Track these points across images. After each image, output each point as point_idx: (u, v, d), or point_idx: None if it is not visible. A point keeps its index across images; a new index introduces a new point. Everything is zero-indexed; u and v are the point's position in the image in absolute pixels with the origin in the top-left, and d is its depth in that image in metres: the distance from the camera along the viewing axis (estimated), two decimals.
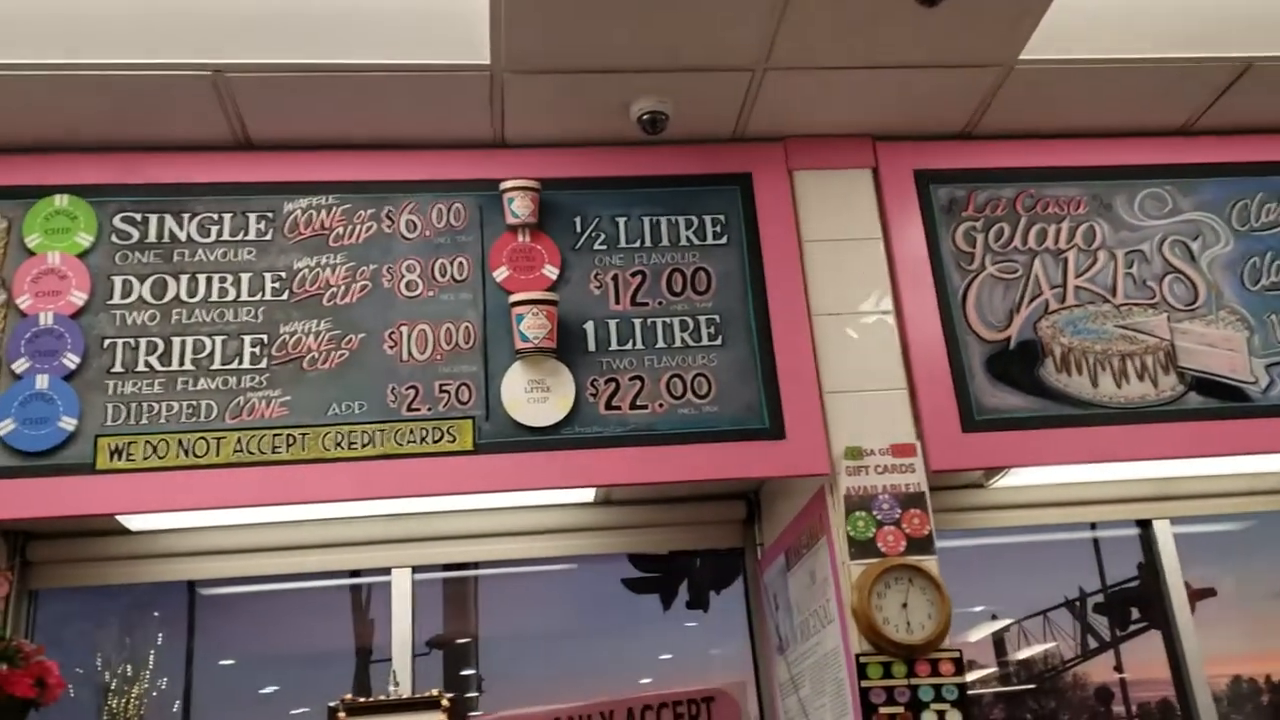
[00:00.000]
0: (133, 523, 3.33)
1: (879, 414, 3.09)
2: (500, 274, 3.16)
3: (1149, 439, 3.16)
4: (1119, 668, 4.85)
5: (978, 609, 4.89)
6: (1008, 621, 5.07)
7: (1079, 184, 3.44)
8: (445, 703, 3.17)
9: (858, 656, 2.85)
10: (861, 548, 2.93)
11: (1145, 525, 3.89)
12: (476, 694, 3.94)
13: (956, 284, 3.28)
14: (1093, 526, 4.20)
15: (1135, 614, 4.52)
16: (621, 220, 3.26)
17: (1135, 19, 3.08)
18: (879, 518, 2.96)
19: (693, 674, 4.16)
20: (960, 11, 2.86)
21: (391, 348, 3.06)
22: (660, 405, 3.06)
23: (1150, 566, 3.93)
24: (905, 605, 2.87)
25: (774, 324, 3.15)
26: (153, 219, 3.10)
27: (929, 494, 3.00)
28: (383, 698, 3.22)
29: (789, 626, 3.37)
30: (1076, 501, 3.79)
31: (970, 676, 4.86)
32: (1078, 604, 5.07)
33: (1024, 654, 5.36)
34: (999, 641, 5.15)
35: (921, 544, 2.94)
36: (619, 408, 3.05)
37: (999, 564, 4.30)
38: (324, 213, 3.17)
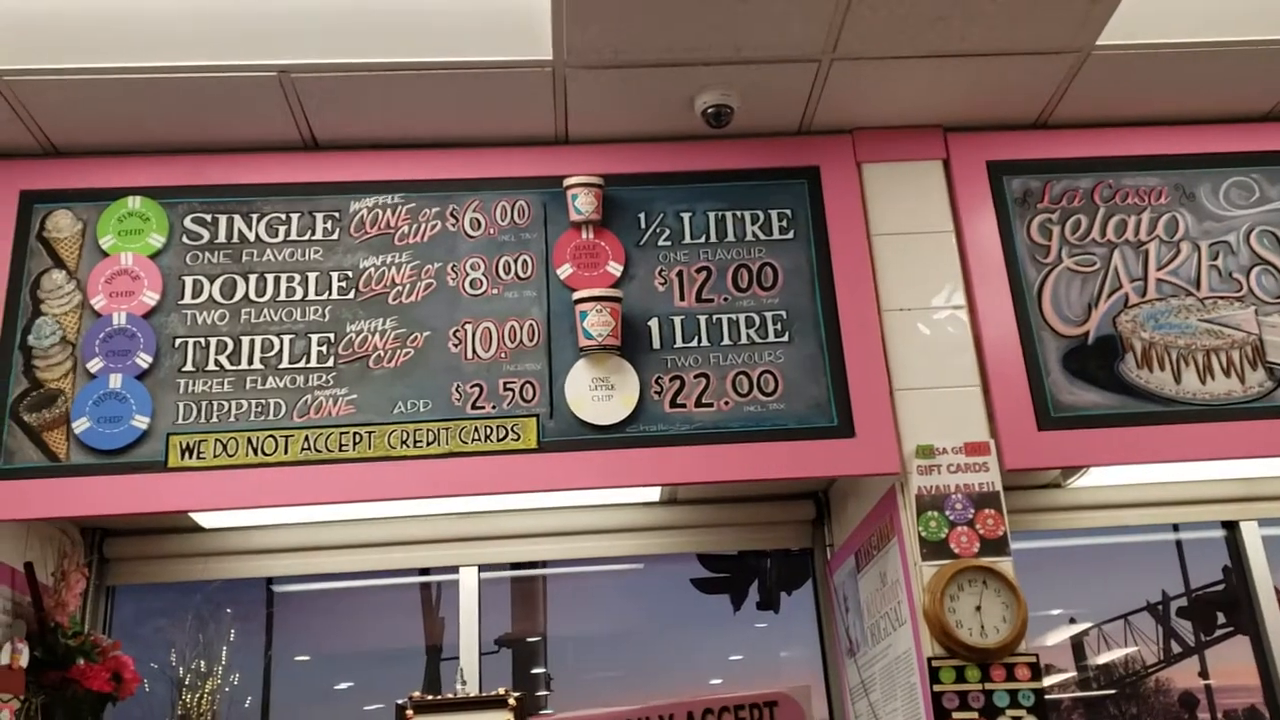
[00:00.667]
0: (206, 520, 3.39)
1: (951, 411, 3.01)
2: (564, 271, 3.14)
3: (1235, 437, 3.04)
4: (1204, 673, 4.71)
5: (1055, 612, 4.77)
6: (1087, 625, 4.95)
7: (1160, 173, 3.32)
8: (512, 701, 3.18)
9: (930, 660, 2.78)
10: (934, 549, 2.86)
11: (1231, 526, 3.76)
12: (545, 693, 3.94)
13: (1032, 278, 3.18)
14: (1175, 528, 4.07)
15: (1221, 618, 4.38)
16: (686, 216, 3.22)
17: (1215, 0, 2.97)
18: (952, 518, 2.89)
19: (762, 675, 4.13)
20: None
21: (456, 346, 3.06)
22: (726, 403, 3.02)
23: (1237, 569, 3.79)
24: (979, 608, 2.80)
25: (843, 320, 3.09)
26: (222, 219, 3.15)
27: (1003, 494, 2.91)
28: (450, 696, 3.23)
29: (859, 629, 3.31)
30: (1158, 502, 3.67)
31: (1047, 681, 4.77)
32: (1160, 608, 4.93)
33: (1104, 659, 5.23)
34: (1077, 645, 5.03)
35: (996, 545, 2.86)
36: (684, 405, 3.01)
37: (1077, 566, 4.19)
38: (389, 212, 3.18)
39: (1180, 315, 3.17)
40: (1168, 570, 4.39)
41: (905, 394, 3.03)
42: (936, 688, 2.75)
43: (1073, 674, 4.98)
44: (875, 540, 3.14)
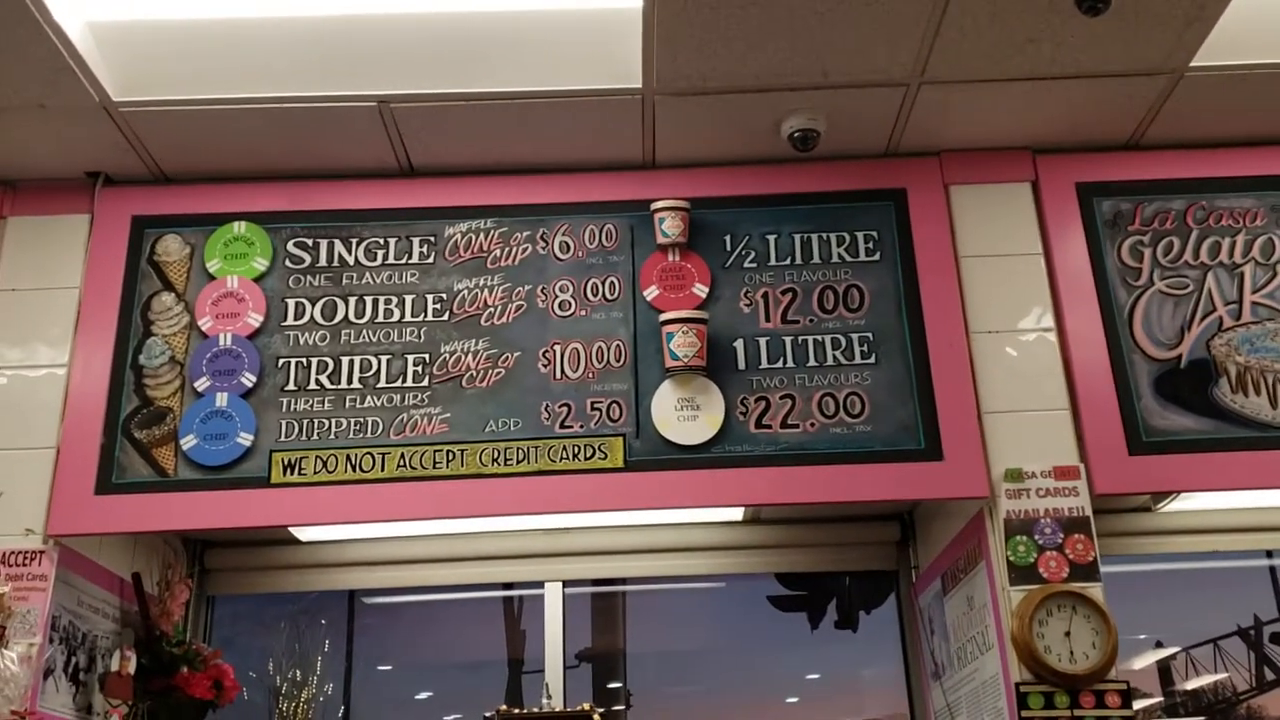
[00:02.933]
0: (302, 533, 3.49)
1: (1040, 435, 2.99)
2: (651, 293, 3.19)
3: None
4: None
5: (1141, 636, 4.69)
6: (1174, 649, 4.86)
7: (1255, 194, 3.26)
8: (596, 717, 3.21)
9: (1018, 685, 2.76)
10: (1022, 573, 2.84)
11: None
12: (624, 708, 3.97)
13: (1122, 300, 3.15)
14: (1269, 554, 3.98)
15: None
16: (772, 238, 3.25)
17: None
18: (1040, 542, 2.87)
19: (840, 694, 4.12)
20: (1126, 19, 2.77)
21: (545, 366, 3.12)
22: (812, 424, 3.04)
23: None
24: (1068, 633, 2.78)
25: (930, 342, 3.09)
26: (323, 244, 3.25)
27: (1093, 518, 2.89)
28: (535, 710, 3.27)
29: (945, 652, 3.29)
30: (1251, 528, 3.59)
31: (1134, 706, 4.68)
32: (1252, 633, 4.81)
33: (1193, 684, 5.12)
34: (1164, 670, 4.94)
35: (1085, 570, 2.84)
36: (769, 426, 3.04)
37: (1163, 590, 4.12)
38: (482, 236, 3.26)
39: (1277, 339, 3.11)
40: (1259, 595, 4.29)
41: (993, 417, 3.02)
42: (1025, 714, 2.74)
43: (1159, 699, 4.89)
44: (962, 563, 3.13)
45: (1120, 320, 3.13)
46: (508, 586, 3.96)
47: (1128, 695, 2.75)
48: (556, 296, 3.20)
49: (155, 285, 3.19)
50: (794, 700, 4.18)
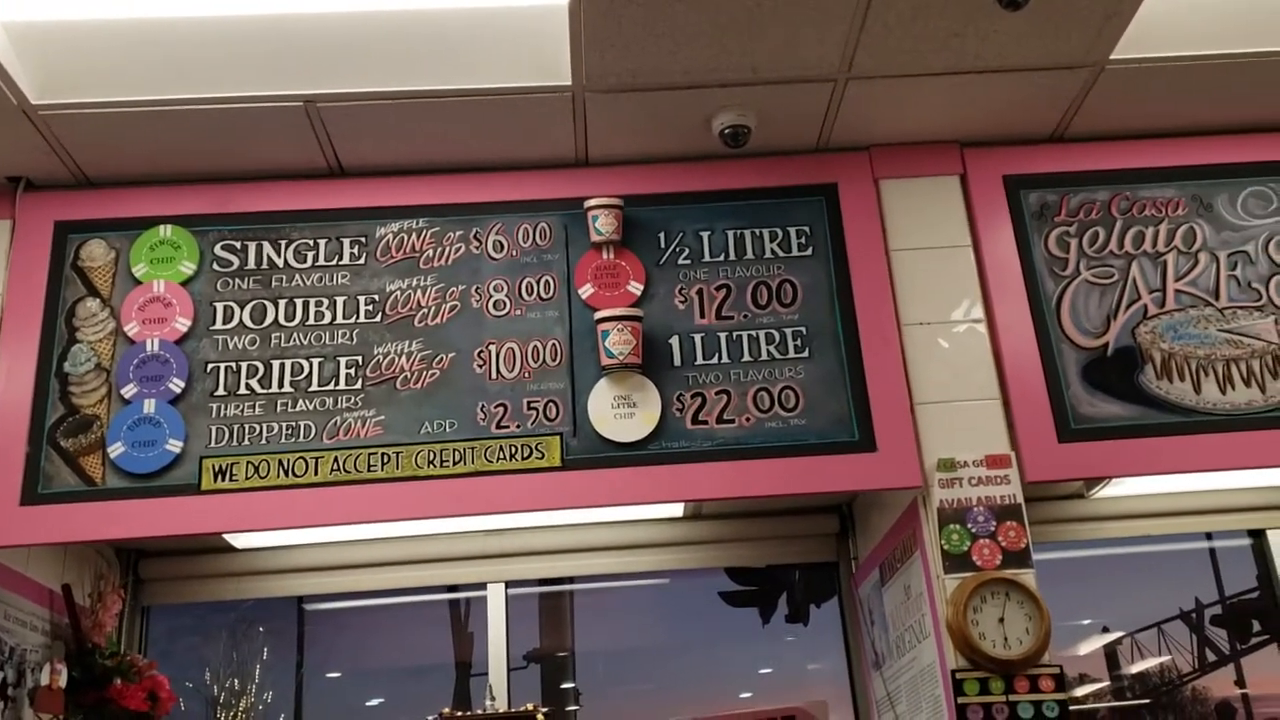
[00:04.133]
0: (238, 540, 3.45)
1: (972, 425, 3.03)
2: (586, 291, 3.19)
3: (1258, 446, 3.04)
4: (1240, 682, 4.68)
5: (1087, 621, 4.76)
6: (1119, 634, 4.93)
7: (1177, 184, 3.33)
8: (540, 717, 3.21)
9: (954, 673, 2.79)
10: (956, 561, 2.88)
11: (1258, 535, 3.74)
12: (575, 707, 3.97)
13: (1050, 290, 3.20)
14: (1209, 536, 4.05)
15: (1257, 626, 4.36)
16: (705, 234, 3.26)
17: (1230, 13, 2.99)
18: (974, 530, 2.90)
19: (792, 688, 4.14)
20: (1046, 14, 2.81)
21: (481, 366, 3.11)
22: (747, 419, 3.05)
23: (1265, 577, 3.77)
24: (1002, 620, 2.81)
25: (862, 335, 3.12)
26: (251, 246, 3.21)
27: (1025, 506, 2.93)
28: (479, 712, 3.26)
29: (885, 642, 3.32)
30: (1184, 511, 3.67)
31: (1082, 690, 4.76)
32: (1194, 616, 4.90)
33: (1138, 667, 5.20)
34: (1111, 655, 5.01)
35: (1018, 557, 2.87)
36: (706, 422, 3.05)
37: (1108, 575, 4.19)
38: (414, 236, 3.24)
39: (1200, 325, 3.18)
40: (1200, 579, 4.37)
41: (926, 408, 3.05)
42: (961, 700, 2.77)
43: (1106, 683, 4.96)
44: (899, 553, 3.16)
45: (1048, 310, 3.17)
46: (452, 589, 3.94)
47: (1062, 679, 2.79)
48: (491, 296, 3.19)
49: (80, 291, 3.13)
50: (747, 695, 4.19)
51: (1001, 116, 3.26)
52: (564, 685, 4.05)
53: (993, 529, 2.90)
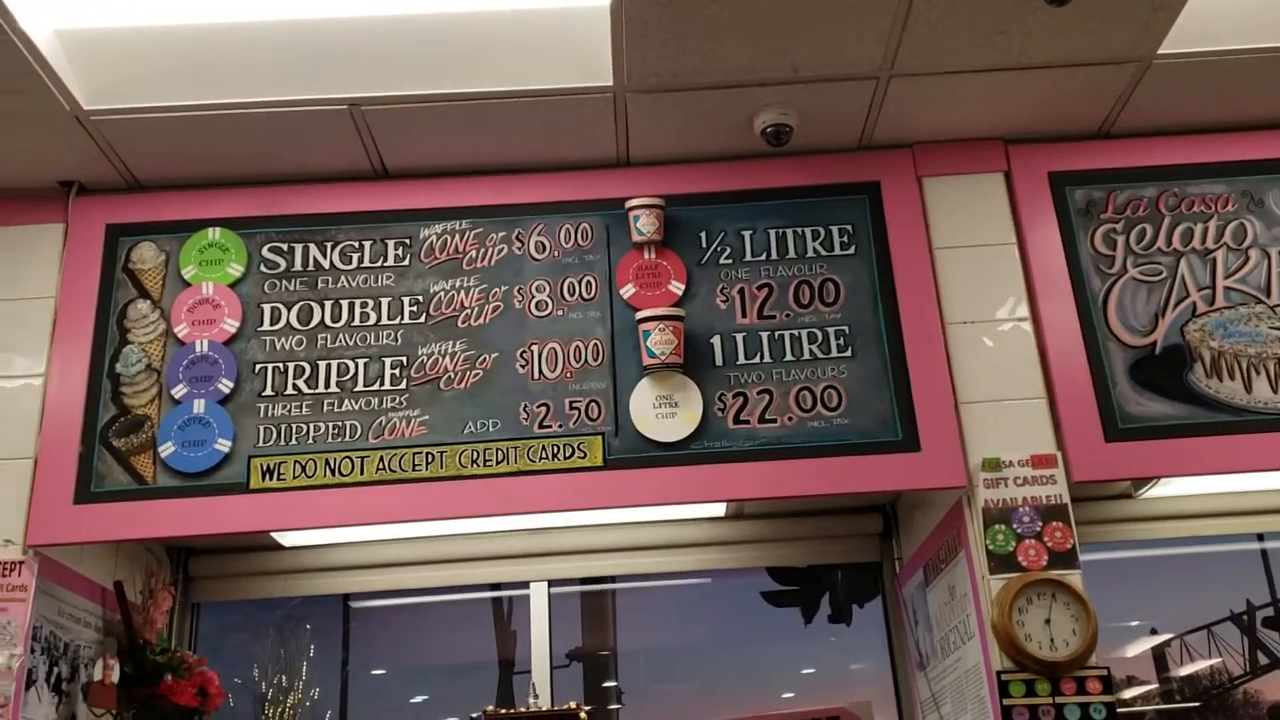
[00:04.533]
0: (286, 538, 3.49)
1: (1017, 424, 3.00)
2: (627, 291, 3.19)
3: None
4: None
5: (1134, 623, 4.70)
6: (1168, 636, 4.86)
7: (1226, 180, 3.28)
8: (583, 715, 3.22)
9: (999, 674, 2.77)
10: (1001, 562, 2.85)
11: None
12: (617, 706, 3.97)
13: (1096, 288, 3.16)
14: (1260, 537, 3.99)
15: None
16: (747, 234, 3.26)
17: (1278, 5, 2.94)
18: (1019, 531, 2.88)
19: (835, 688, 4.12)
20: (1092, 8, 2.78)
21: (523, 367, 3.12)
22: (790, 418, 3.04)
23: None
24: (1048, 621, 2.79)
25: (905, 334, 3.10)
26: (298, 248, 3.25)
27: (1071, 506, 2.90)
28: (522, 710, 3.28)
29: (929, 642, 3.30)
30: (1234, 512, 3.61)
31: (1129, 693, 4.70)
32: (1245, 618, 4.82)
33: (1187, 670, 5.13)
34: (1159, 657, 4.95)
35: (1064, 558, 2.85)
36: (748, 421, 3.05)
37: (1157, 576, 4.13)
38: (458, 237, 3.26)
39: (1250, 323, 3.12)
40: (1252, 580, 4.30)
41: (970, 407, 3.03)
42: (1006, 701, 2.74)
43: (1155, 685, 4.89)
44: (943, 553, 3.14)
45: (1095, 308, 3.14)
46: (495, 587, 3.96)
47: (1109, 681, 2.76)
48: (533, 296, 3.20)
49: (131, 293, 3.19)
50: (789, 695, 4.18)
51: (1046, 112, 3.22)
52: (606, 684, 4.06)
53: (1039, 529, 2.88)
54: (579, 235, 3.27)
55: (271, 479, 2.98)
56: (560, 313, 3.19)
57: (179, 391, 3.07)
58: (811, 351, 3.12)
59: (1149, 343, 3.11)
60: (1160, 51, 2.98)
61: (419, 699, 4.09)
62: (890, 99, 3.11)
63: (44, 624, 2.91)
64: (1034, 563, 2.85)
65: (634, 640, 4.15)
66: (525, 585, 3.69)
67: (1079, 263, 3.19)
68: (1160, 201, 3.27)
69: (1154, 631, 4.81)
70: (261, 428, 3.04)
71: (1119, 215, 3.25)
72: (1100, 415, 3.01)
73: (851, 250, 3.23)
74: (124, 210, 3.27)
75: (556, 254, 3.25)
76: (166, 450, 3.01)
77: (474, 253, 3.25)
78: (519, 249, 3.26)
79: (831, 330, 3.14)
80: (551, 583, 3.70)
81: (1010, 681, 2.76)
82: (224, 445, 3.01)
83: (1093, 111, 3.24)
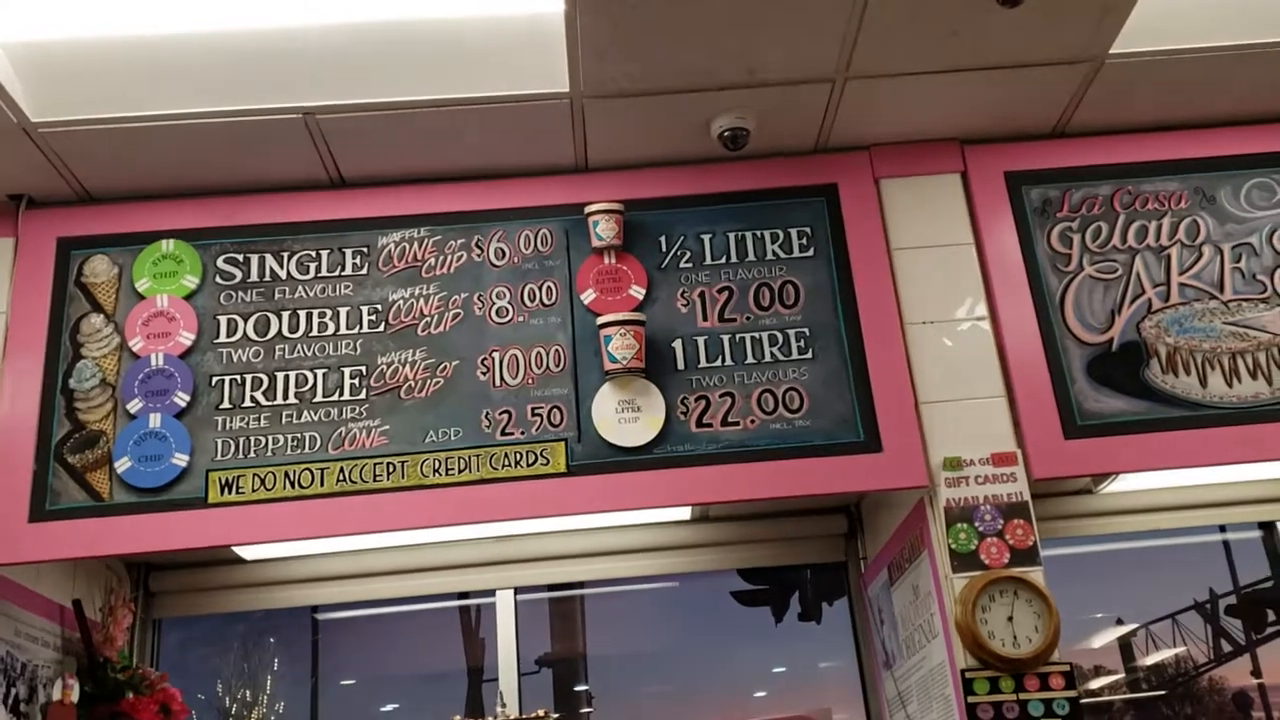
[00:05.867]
0: (247, 552, 3.45)
1: (977, 423, 3.02)
2: (588, 296, 3.19)
3: (1265, 439, 3.02)
4: (1256, 672, 4.67)
5: (1100, 615, 4.75)
6: (1134, 626, 4.92)
7: (1179, 178, 3.31)
8: None
9: (964, 672, 2.79)
10: (964, 560, 2.87)
11: (1268, 527, 3.73)
12: (588, 710, 3.97)
13: (1053, 286, 3.19)
14: (1222, 528, 4.04)
15: (1272, 616, 4.35)
16: (706, 237, 3.26)
17: (1230, 4, 2.98)
18: (981, 529, 2.90)
19: (806, 687, 4.14)
20: (1044, 9, 2.80)
21: (484, 374, 3.11)
22: (752, 421, 3.05)
23: (1277, 569, 3.76)
24: (1011, 618, 2.81)
25: (865, 334, 3.11)
26: (254, 259, 3.22)
27: (1032, 503, 2.92)
28: (490, 718, 3.26)
29: (895, 641, 3.32)
30: (1193, 505, 3.65)
31: (1097, 683, 4.74)
32: (1208, 606, 4.89)
33: (1154, 659, 5.19)
34: (1125, 647, 5.00)
35: (1026, 555, 2.87)
36: (710, 425, 3.05)
37: (1121, 569, 4.18)
38: (416, 245, 3.24)
39: (1204, 319, 3.16)
40: (1214, 570, 4.36)
41: (931, 407, 3.04)
42: (971, 699, 2.76)
43: (1121, 675, 4.95)
44: (906, 553, 3.15)
45: (1052, 306, 3.16)
46: (463, 596, 3.94)
47: (1071, 676, 2.79)
48: (493, 303, 3.19)
49: (84, 307, 3.14)
50: (762, 694, 4.19)
51: (1002, 112, 3.25)
52: (576, 689, 4.05)
53: (1000, 527, 2.90)
54: (539, 241, 3.26)
55: (230, 492, 2.95)
56: (521, 319, 3.17)
57: (134, 406, 3.03)
58: (772, 354, 3.12)
59: (1106, 340, 3.14)
60: (1112, 51, 3.01)
61: (389, 708, 4.07)
62: (846, 101, 3.12)
63: (0, 645, 2.86)
64: (996, 560, 2.87)
65: (604, 645, 4.14)
66: (492, 593, 3.67)
67: (1036, 261, 3.21)
68: (1115, 199, 3.30)
69: (1120, 622, 4.87)
70: (219, 441, 3.01)
71: (1074, 214, 3.28)
72: (1059, 412, 3.03)
73: (810, 252, 3.24)
74: (75, 223, 3.23)
75: (516, 260, 3.24)
76: (123, 465, 2.97)
77: (433, 260, 3.23)
78: (478, 256, 3.24)
79: (792, 332, 3.15)
80: (518, 590, 3.68)
81: (974, 679, 2.78)
82: (181, 459, 2.98)
83: (1047, 111, 3.26)
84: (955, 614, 2.82)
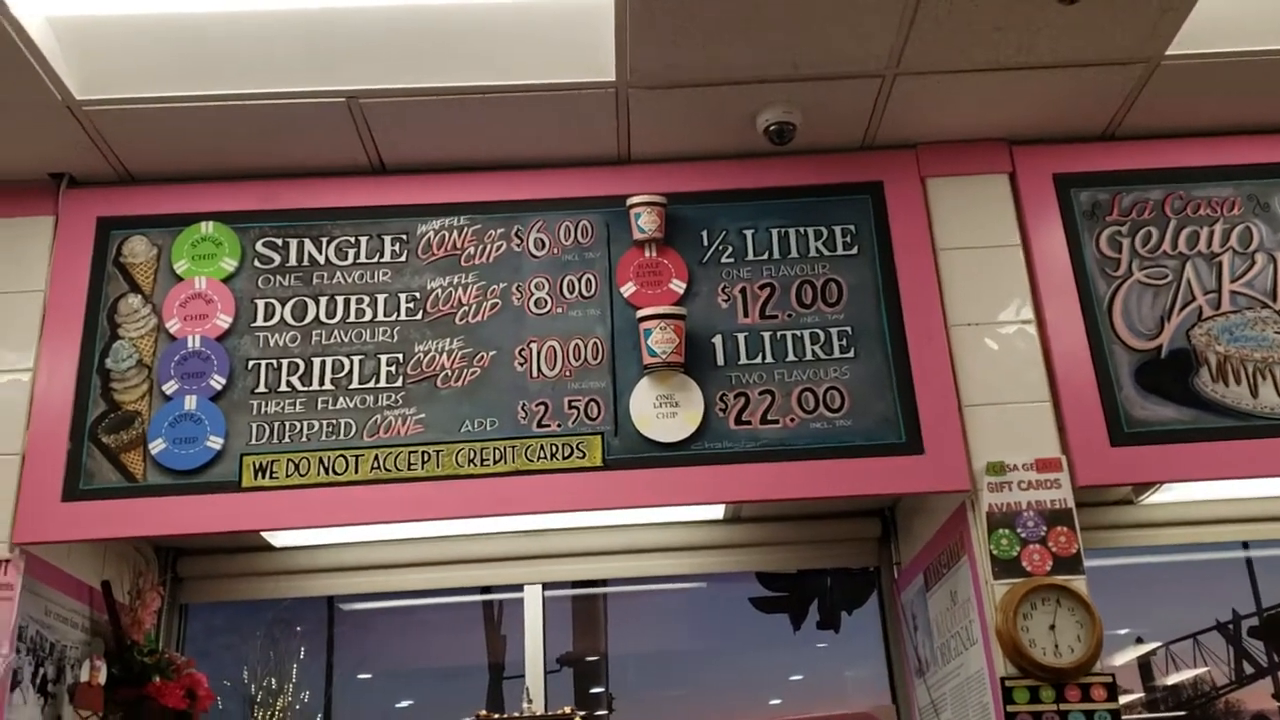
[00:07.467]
0: (276, 539, 3.43)
1: (1021, 427, 2.97)
2: (628, 289, 3.15)
3: None
4: (1278, 694, 4.61)
5: (1122, 631, 4.69)
6: (1155, 645, 4.86)
7: (1232, 183, 3.26)
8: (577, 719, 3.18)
9: (1003, 680, 2.74)
10: (1005, 567, 2.82)
11: None
12: (606, 712, 3.94)
13: (1101, 291, 3.14)
14: (1245, 545, 3.98)
15: None
16: (749, 232, 3.22)
17: None
18: (1023, 535, 2.85)
19: (824, 696, 4.10)
20: (1101, 8, 2.76)
21: (521, 365, 3.08)
22: (792, 419, 3.01)
23: None
24: (1053, 627, 2.76)
25: (909, 335, 3.07)
26: (293, 243, 3.20)
27: (1076, 510, 2.87)
28: (516, 714, 3.24)
29: (929, 648, 3.27)
30: (1234, 519, 3.59)
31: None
32: (1231, 627, 4.83)
33: (1173, 679, 5.14)
34: (1145, 666, 4.95)
35: (1069, 563, 2.82)
36: (749, 422, 3.01)
37: (1144, 584, 4.12)
38: (456, 233, 3.22)
39: (1256, 328, 3.10)
40: (1238, 589, 4.29)
41: (974, 410, 3.00)
42: (1010, 708, 2.71)
43: (1140, 695, 4.89)
44: (945, 558, 3.10)
45: (1100, 311, 3.11)
46: (486, 590, 3.91)
47: (1114, 688, 2.74)
48: (532, 294, 3.16)
49: (122, 287, 3.13)
50: (777, 702, 4.15)
51: (1052, 113, 3.20)
52: (595, 690, 4.02)
53: (1043, 534, 2.85)
54: (579, 232, 3.23)
55: (264, 477, 2.92)
56: (559, 310, 3.14)
57: (170, 388, 3.02)
58: (814, 352, 3.08)
59: (1154, 346, 3.09)
60: (1168, 53, 2.96)
61: (405, 704, 4.05)
62: (895, 98, 3.08)
63: (30, 624, 2.84)
64: (1038, 568, 2.82)
65: (623, 645, 4.11)
66: (519, 588, 3.64)
67: (1084, 265, 3.16)
68: (1166, 204, 3.24)
69: (1140, 640, 4.81)
70: (254, 425, 2.98)
71: (1124, 218, 3.23)
72: (1106, 419, 2.98)
73: (854, 250, 3.20)
74: (115, 203, 3.21)
75: (556, 251, 3.21)
76: (157, 447, 2.95)
77: (472, 249, 3.21)
78: (518, 246, 3.21)
79: (834, 331, 3.11)
80: (545, 585, 3.65)
81: (1014, 688, 2.73)
82: (216, 443, 2.96)
83: (1099, 112, 3.21)
84: (995, 621, 2.78)
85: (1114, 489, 3.36)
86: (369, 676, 4.10)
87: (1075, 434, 2.96)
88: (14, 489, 2.89)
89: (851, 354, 3.08)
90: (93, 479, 2.92)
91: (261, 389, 3.03)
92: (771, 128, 3.08)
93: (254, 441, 2.96)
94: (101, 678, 2.98)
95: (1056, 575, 2.80)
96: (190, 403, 3.00)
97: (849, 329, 3.11)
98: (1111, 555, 3.66)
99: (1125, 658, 4.83)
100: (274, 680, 3.57)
